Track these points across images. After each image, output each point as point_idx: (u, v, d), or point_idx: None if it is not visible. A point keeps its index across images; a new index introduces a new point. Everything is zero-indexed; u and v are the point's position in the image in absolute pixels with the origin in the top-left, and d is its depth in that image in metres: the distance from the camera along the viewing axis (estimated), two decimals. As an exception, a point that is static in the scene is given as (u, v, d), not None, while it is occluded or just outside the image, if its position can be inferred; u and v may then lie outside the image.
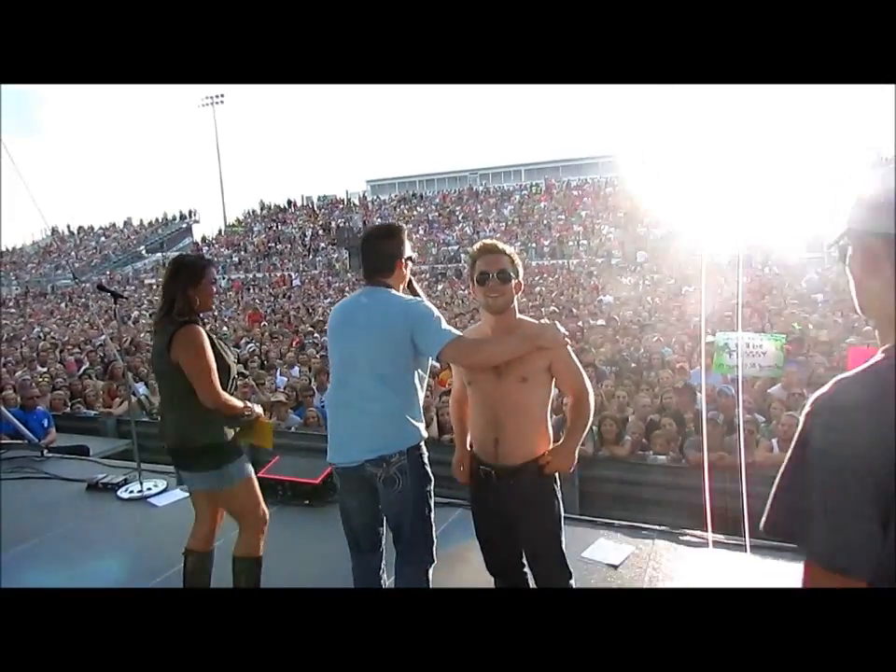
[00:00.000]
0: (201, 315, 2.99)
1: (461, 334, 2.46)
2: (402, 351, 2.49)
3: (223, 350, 2.98)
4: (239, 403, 2.94)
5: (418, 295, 2.79)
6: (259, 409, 3.10)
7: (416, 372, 2.57)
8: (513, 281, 2.45)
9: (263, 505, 3.11)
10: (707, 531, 3.73)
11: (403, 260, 2.66)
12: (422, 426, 2.61)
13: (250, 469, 3.04)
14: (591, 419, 2.56)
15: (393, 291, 2.62)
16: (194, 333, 2.83)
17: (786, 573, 3.55)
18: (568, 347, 2.48)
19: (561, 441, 2.53)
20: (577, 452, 2.52)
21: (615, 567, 3.69)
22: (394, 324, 2.47)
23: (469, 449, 2.71)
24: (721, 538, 3.82)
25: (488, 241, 2.55)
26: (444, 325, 2.46)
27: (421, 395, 2.64)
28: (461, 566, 3.62)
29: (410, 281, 2.78)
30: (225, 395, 2.86)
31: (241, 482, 2.96)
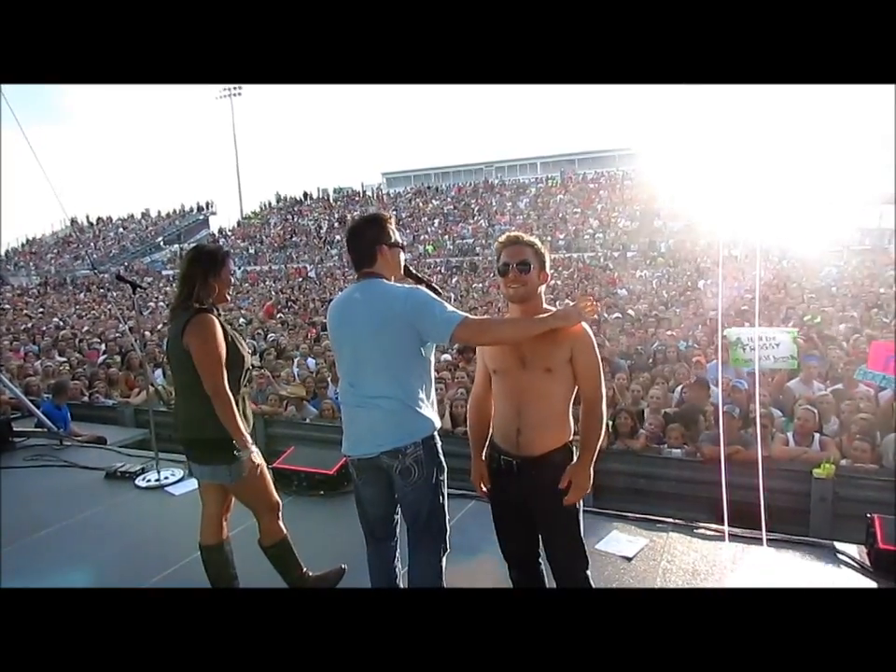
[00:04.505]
0: (217, 305, 2.96)
1: (467, 314, 2.44)
2: (407, 342, 2.46)
3: (237, 341, 2.96)
4: (236, 413, 2.79)
5: (420, 279, 2.77)
6: (252, 447, 2.89)
7: (425, 360, 2.56)
8: (536, 271, 2.45)
9: (275, 492, 3.13)
10: (722, 524, 3.72)
11: (386, 246, 2.59)
12: (435, 414, 2.60)
13: (260, 459, 3.03)
14: (602, 429, 2.51)
15: (385, 281, 2.57)
16: (208, 322, 2.81)
17: (802, 567, 3.54)
18: (593, 341, 2.46)
19: (575, 459, 2.49)
20: (592, 467, 2.47)
21: (629, 559, 3.69)
22: (393, 317, 2.44)
23: (482, 459, 2.69)
24: (736, 531, 3.81)
25: (513, 233, 2.56)
26: (448, 307, 2.44)
27: (432, 381, 2.62)
28: (475, 556, 3.64)
29: (407, 267, 2.75)
30: (227, 393, 2.78)
31: (252, 475, 2.92)
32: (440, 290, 3.20)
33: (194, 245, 3.16)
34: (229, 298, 3.03)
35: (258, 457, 2.93)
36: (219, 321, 2.89)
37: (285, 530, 3.17)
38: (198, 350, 2.78)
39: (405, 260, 2.74)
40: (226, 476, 2.89)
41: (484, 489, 2.70)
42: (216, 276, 2.90)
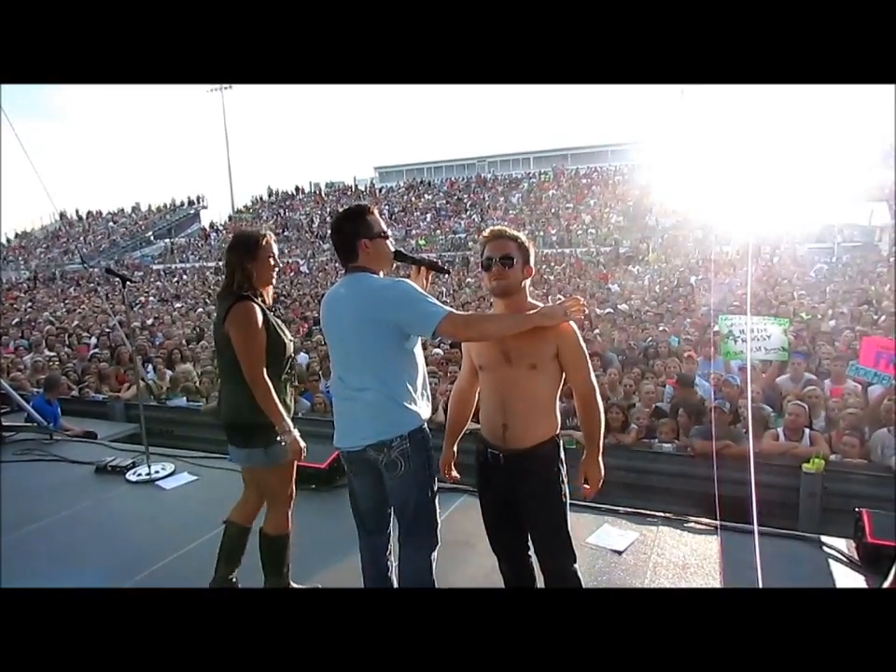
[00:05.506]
0: (262, 290, 2.99)
1: (451, 309, 2.41)
2: (389, 336, 2.44)
3: (279, 328, 2.99)
4: (276, 400, 2.83)
5: (417, 261, 2.87)
6: (294, 431, 2.92)
7: (409, 353, 2.55)
8: (520, 265, 2.45)
9: (293, 485, 3.17)
10: (712, 518, 3.74)
11: (367, 240, 2.55)
12: (423, 408, 2.59)
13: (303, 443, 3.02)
14: (602, 419, 2.55)
15: (371, 275, 2.55)
16: (248, 310, 2.84)
17: (790, 561, 3.56)
18: (578, 335, 2.47)
19: (583, 457, 2.55)
20: (601, 458, 2.54)
21: (619, 552, 3.70)
22: (375, 311, 2.42)
23: (453, 449, 2.87)
24: (727, 524, 3.83)
25: (496, 227, 2.55)
26: (431, 300, 2.42)
27: (420, 375, 2.60)
28: (465, 550, 3.65)
29: (399, 251, 2.74)
30: (266, 380, 2.81)
31: (285, 461, 2.96)
32: (443, 268, 3.19)
33: (236, 231, 3.18)
34: (273, 280, 3.06)
35: (300, 441, 2.95)
36: (262, 308, 2.92)
37: (290, 527, 3.18)
38: (237, 338, 2.83)
39: (392, 245, 2.69)
40: (262, 459, 2.94)
41: (451, 477, 2.86)
42: (252, 261, 2.93)
